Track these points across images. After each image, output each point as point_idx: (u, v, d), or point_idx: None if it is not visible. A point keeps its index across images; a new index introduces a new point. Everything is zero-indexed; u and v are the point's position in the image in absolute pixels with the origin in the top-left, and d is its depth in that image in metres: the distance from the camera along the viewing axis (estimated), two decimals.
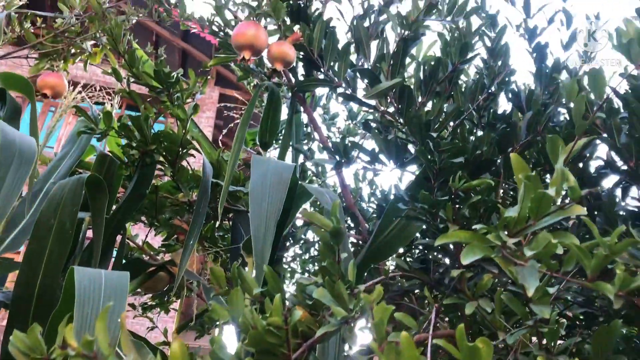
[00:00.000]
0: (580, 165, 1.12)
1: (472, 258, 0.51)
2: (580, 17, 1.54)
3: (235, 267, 0.76)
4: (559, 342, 0.81)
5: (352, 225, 1.80)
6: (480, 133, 1.32)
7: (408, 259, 1.32)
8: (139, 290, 1.71)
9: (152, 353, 0.65)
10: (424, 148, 1.03)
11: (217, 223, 1.82)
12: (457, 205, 1.00)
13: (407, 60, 1.40)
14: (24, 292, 1.17)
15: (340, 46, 1.34)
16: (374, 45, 1.42)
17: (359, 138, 2.29)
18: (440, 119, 1.21)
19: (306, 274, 2.34)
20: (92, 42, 1.75)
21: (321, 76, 1.44)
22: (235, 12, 1.58)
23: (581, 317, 1.12)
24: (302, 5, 1.49)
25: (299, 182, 1.33)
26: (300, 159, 1.86)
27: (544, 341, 0.79)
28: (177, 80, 1.51)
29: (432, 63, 1.20)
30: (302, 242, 2.04)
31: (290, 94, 1.66)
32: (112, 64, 1.71)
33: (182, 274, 1.24)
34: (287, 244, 1.84)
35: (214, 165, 1.68)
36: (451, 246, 1.13)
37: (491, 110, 1.35)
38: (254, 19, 1.45)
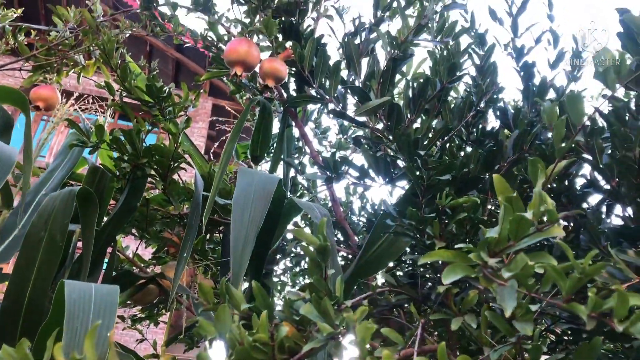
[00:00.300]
0: (566, 182, 1.15)
1: (454, 278, 0.52)
2: (567, 38, 1.57)
3: (224, 282, 0.77)
4: (543, 357, 0.82)
5: (342, 239, 1.81)
6: (469, 149, 1.34)
7: (398, 274, 1.33)
8: (128, 302, 1.71)
9: None
10: (412, 165, 1.05)
11: (205, 235, 1.83)
12: (444, 222, 1.02)
13: (398, 77, 1.42)
14: (13, 304, 1.18)
15: (331, 63, 1.36)
16: (364, 62, 1.44)
17: (350, 152, 2.31)
18: (429, 136, 1.23)
19: (296, 287, 2.35)
20: (86, 55, 1.77)
21: (313, 92, 1.46)
22: (228, 27, 1.60)
23: (568, 332, 1.13)
24: (294, 22, 1.51)
25: (290, 196, 1.35)
26: (291, 172, 1.87)
27: (526, 356, 0.81)
28: (169, 95, 1.52)
29: (421, 81, 1.23)
30: (292, 255, 2.05)
31: (282, 108, 1.68)
32: (105, 77, 1.72)
33: (176, 287, 1.24)
34: (277, 257, 1.85)
35: (206, 178, 1.69)
36: (440, 261, 1.15)
37: (480, 127, 1.37)
38: (247, 35, 1.47)
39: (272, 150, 1.83)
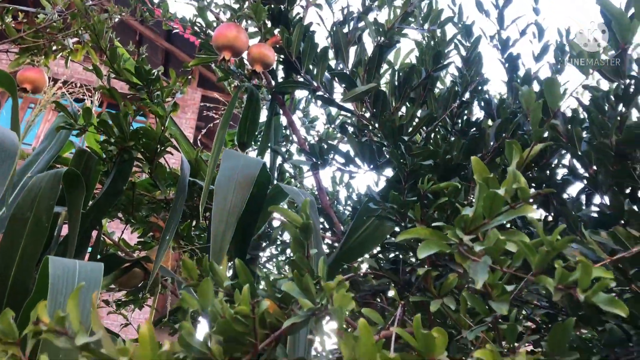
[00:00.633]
0: (548, 172, 1.17)
1: (428, 252, 0.54)
2: (552, 31, 1.59)
3: (206, 259, 0.78)
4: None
5: (328, 226, 1.83)
6: (453, 139, 1.36)
7: (381, 261, 1.35)
8: (112, 286, 1.72)
9: None
10: (396, 150, 1.07)
11: (192, 222, 1.84)
12: (425, 207, 1.04)
13: (385, 67, 1.43)
14: None
15: (318, 50, 1.38)
16: (352, 51, 1.46)
17: (337, 142, 2.32)
18: (413, 124, 1.25)
19: (282, 276, 2.36)
20: (75, 39, 1.76)
21: (300, 79, 1.47)
22: (217, 13, 1.60)
23: (545, 318, 1.16)
24: (283, 9, 1.52)
25: (276, 182, 1.36)
26: (278, 160, 1.88)
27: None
28: (157, 78, 1.53)
29: (407, 70, 1.24)
30: (278, 243, 2.06)
31: (270, 96, 1.69)
32: (93, 61, 1.72)
33: (157, 269, 1.25)
34: (263, 244, 1.86)
35: (192, 164, 1.70)
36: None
37: (465, 118, 1.39)
38: (235, 20, 1.47)
39: (260, 138, 1.84)
